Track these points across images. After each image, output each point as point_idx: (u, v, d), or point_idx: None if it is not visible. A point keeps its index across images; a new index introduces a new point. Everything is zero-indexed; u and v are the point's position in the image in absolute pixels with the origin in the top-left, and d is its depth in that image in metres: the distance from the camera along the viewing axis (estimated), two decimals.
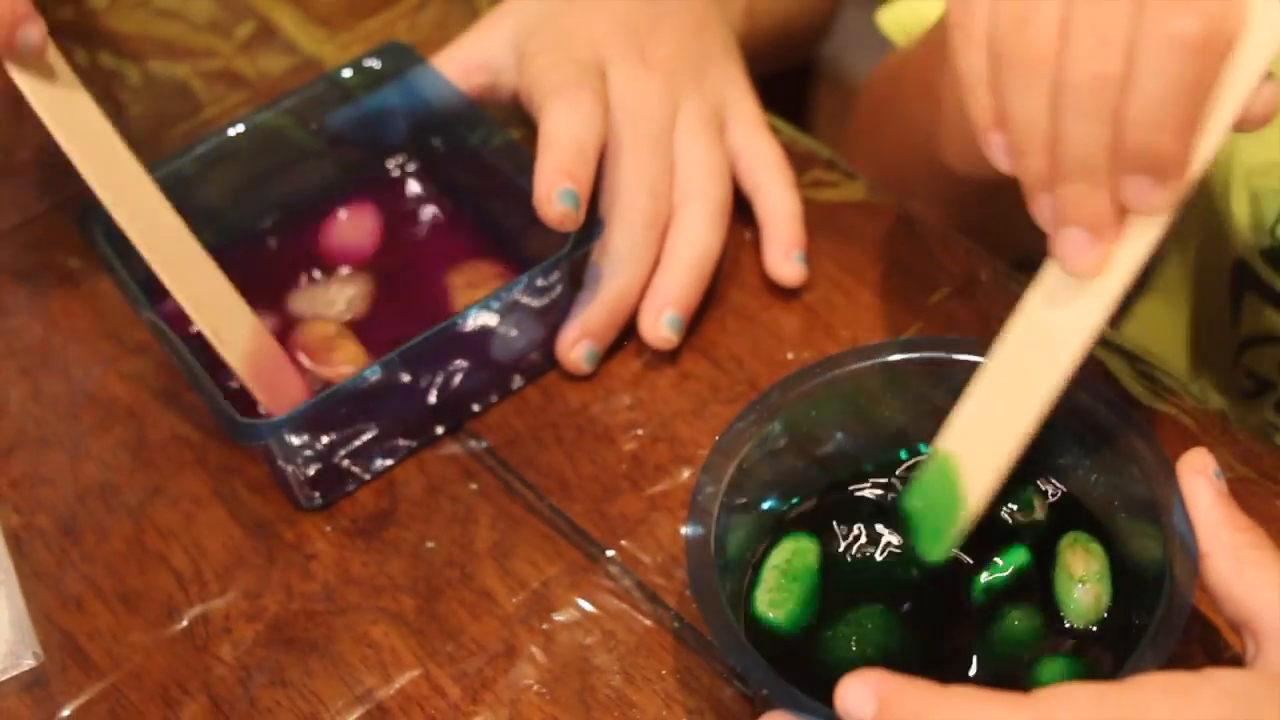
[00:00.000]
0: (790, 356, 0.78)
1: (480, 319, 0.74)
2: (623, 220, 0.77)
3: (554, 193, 0.73)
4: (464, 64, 0.82)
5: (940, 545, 0.63)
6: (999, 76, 0.60)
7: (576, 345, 0.77)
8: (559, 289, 0.76)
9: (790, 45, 1.07)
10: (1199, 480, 0.60)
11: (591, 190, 0.75)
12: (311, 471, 0.73)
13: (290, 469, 0.73)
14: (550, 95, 0.77)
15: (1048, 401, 0.61)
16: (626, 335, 0.79)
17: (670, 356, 0.78)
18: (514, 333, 0.76)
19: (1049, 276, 0.61)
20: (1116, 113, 0.57)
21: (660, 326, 0.77)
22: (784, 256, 0.80)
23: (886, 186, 0.84)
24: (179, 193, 0.79)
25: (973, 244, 0.81)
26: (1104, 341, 0.76)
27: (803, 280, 0.80)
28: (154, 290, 0.76)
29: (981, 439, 0.63)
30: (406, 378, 0.74)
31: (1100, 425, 0.65)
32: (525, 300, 0.75)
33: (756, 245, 0.82)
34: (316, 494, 0.75)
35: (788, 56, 1.11)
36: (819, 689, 0.58)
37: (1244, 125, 0.59)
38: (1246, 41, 0.58)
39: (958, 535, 0.63)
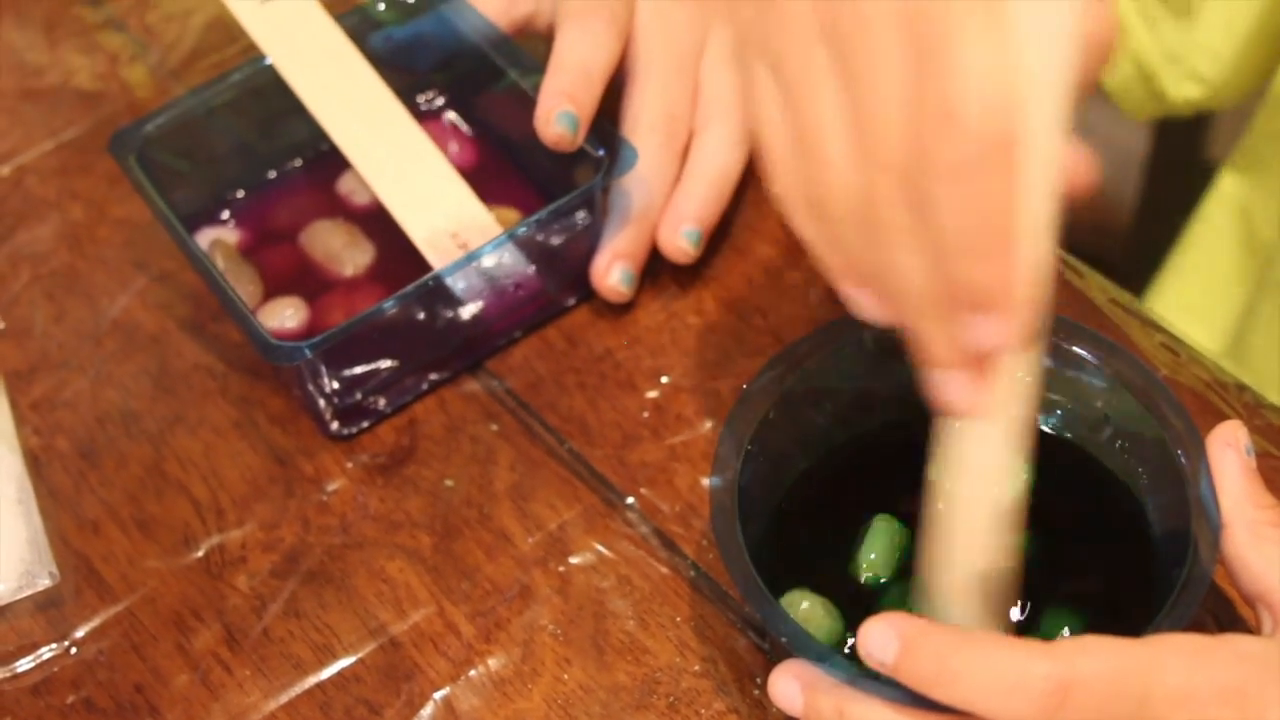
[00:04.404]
0: (815, 314, 0.78)
1: (503, 253, 0.74)
2: (640, 142, 0.77)
3: (553, 114, 0.74)
4: None
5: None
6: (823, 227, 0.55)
7: (610, 270, 0.77)
8: (586, 224, 0.76)
9: None
10: (1228, 453, 0.61)
11: (594, 113, 0.75)
12: (338, 399, 0.74)
13: (318, 395, 0.73)
14: (566, 18, 0.77)
15: (999, 548, 0.59)
16: (651, 284, 0.79)
17: (695, 308, 0.79)
18: (540, 267, 0.76)
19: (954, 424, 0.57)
20: (930, 248, 0.52)
21: (678, 238, 0.78)
22: None
23: None
24: (212, 120, 0.80)
25: None
26: (1128, 310, 0.76)
27: None
28: (188, 217, 0.76)
29: (958, 602, 0.60)
30: (426, 312, 0.74)
31: (1129, 393, 0.65)
32: (551, 234, 0.75)
33: None
34: (342, 424, 0.75)
35: None
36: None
37: (1075, 199, 0.54)
38: (1031, 116, 0.50)
39: None
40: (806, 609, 0.63)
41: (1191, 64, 0.89)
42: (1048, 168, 0.51)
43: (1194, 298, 0.96)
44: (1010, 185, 0.50)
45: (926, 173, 0.50)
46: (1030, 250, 0.51)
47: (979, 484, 0.58)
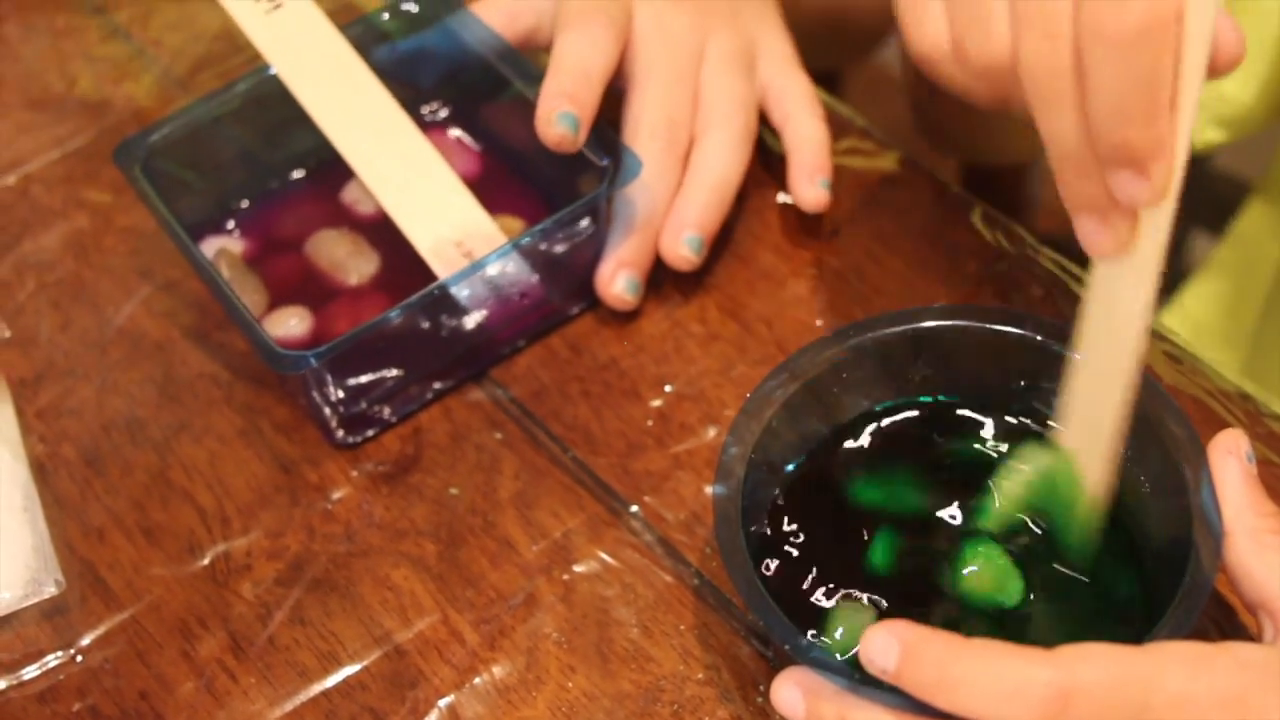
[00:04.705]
0: (819, 322, 0.78)
1: (508, 262, 0.74)
2: (641, 148, 0.77)
3: (553, 115, 0.74)
4: (509, 7, 0.82)
5: (1078, 538, 0.64)
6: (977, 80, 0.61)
7: (615, 278, 0.77)
8: (591, 233, 0.76)
9: (844, 32, 1.07)
10: (1230, 461, 0.61)
11: (595, 114, 0.75)
12: (343, 408, 0.74)
13: (323, 404, 0.73)
14: (564, 23, 0.78)
15: (1127, 385, 0.61)
16: (655, 293, 0.79)
17: (699, 317, 0.79)
18: (545, 276, 0.76)
19: (1098, 263, 0.60)
20: (1082, 106, 0.56)
21: (680, 246, 0.78)
22: (808, 181, 0.80)
23: None
24: (217, 130, 0.80)
25: (1002, 215, 0.81)
26: None
27: (825, 206, 0.80)
28: (193, 227, 0.76)
29: (1088, 431, 0.63)
30: (431, 321, 0.74)
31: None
32: (555, 243, 0.75)
33: (788, 208, 0.82)
34: (347, 432, 0.75)
35: (842, 47, 1.11)
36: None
37: (1217, 72, 0.58)
38: None
39: (1090, 524, 0.63)
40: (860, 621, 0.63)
41: (1212, 110, 0.91)
42: (1201, 40, 0.56)
43: (1215, 319, 0.97)
44: (1170, 57, 0.54)
45: (1092, 42, 0.54)
46: (1181, 116, 0.56)
47: (1118, 321, 0.60)
